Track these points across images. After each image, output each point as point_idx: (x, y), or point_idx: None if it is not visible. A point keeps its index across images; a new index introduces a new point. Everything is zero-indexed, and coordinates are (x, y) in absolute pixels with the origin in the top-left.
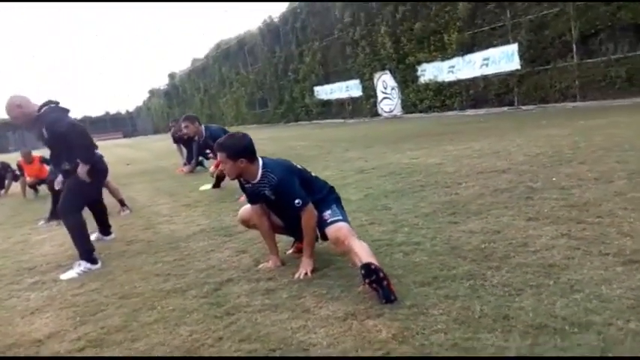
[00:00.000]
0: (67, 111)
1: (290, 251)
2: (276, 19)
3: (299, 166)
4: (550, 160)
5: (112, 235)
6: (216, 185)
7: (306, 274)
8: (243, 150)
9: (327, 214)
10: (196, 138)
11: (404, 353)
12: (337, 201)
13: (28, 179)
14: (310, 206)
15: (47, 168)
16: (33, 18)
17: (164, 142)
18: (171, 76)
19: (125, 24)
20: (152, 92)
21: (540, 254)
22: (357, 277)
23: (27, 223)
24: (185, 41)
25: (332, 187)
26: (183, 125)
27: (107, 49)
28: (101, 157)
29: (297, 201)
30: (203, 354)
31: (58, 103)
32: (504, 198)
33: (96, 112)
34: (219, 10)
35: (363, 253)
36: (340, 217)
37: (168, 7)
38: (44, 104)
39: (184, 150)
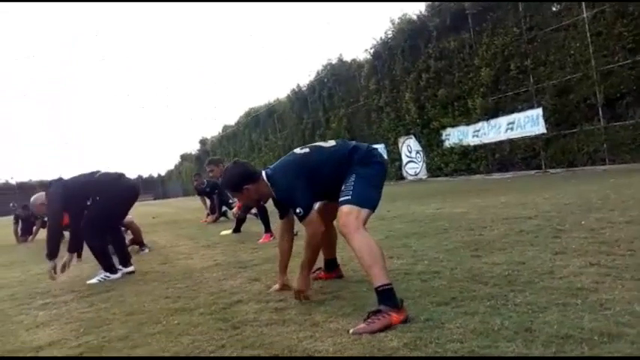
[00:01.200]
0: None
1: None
2: (304, 88)
3: (305, 152)
4: (579, 209)
5: (132, 267)
6: (237, 229)
7: (299, 293)
8: (240, 178)
9: (342, 188)
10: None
11: None
12: (363, 167)
13: None
14: (312, 216)
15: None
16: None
17: (192, 201)
18: (203, 142)
19: (160, 90)
20: (183, 157)
21: (567, 279)
22: (370, 298)
23: None
24: (217, 108)
25: (365, 151)
26: (208, 170)
27: (141, 114)
28: (126, 187)
29: (297, 210)
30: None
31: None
32: (530, 237)
33: (130, 174)
34: (250, 79)
35: (364, 262)
36: (348, 197)
37: (199, 75)
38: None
39: (208, 201)
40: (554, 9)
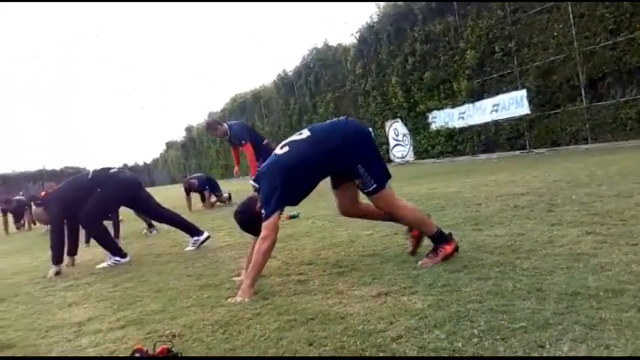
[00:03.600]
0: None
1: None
2: (290, 73)
3: (285, 151)
4: (568, 185)
5: (127, 259)
6: None
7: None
8: (252, 217)
9: (359, 182)
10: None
11: (440, 319)
12: (354, 149)
13: None
14: (273, 221)
15: None
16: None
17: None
18: (188, 129)
19: (144, 78)
20: (169, 144)
21: (567, 247)
22: (386, 269)
23: None
24: (202, 95)
25: (343, 136)
26: (211, 134)
27: (126, 102)
28: (122, 179)
29: (263, 210)
30: (242, 326)
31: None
32: (526, 212)
33: (114, 163)
34: (236, 65)
35: (414, 225)
36: (374, 186)
37: (185, 62)
38: None
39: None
40: None
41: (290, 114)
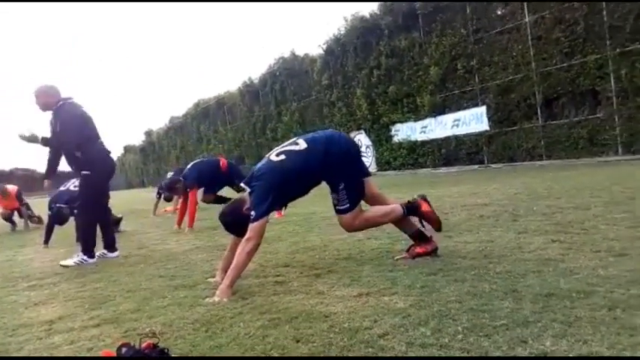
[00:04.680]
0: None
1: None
2: (255, 81)
3: (281, 159)
4: (528, 197)
5: (116, 253)
6: None
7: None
8: (240, 219)
9: (334, 197)
10: None
11: (423, 317)
12: (345, 167)
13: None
14: (261, 225)
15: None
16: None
17: (140, 193)
18: (148, 133)
19: (103, 81)
20: (127, 148)
21: (535, 253)
22: (363, 271)
23: (9, 248)
24: (163, 99)
25: (339, 151)
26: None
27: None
28: (106, 155)
29: (252, 213)
30: (225, 324)
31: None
32: (491, 221)
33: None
34: (200, 70)
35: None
36: (346, 205)
37: (146, 66)
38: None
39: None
40: (499, 12)
41: (254, 121)
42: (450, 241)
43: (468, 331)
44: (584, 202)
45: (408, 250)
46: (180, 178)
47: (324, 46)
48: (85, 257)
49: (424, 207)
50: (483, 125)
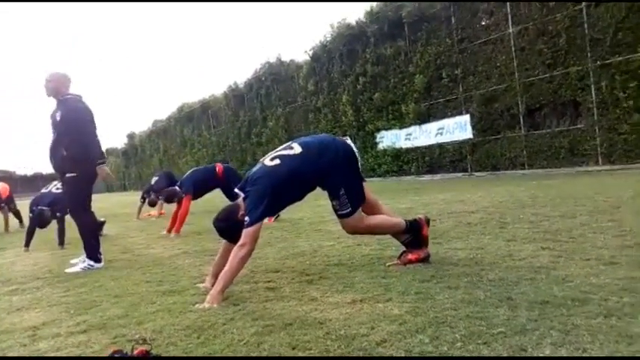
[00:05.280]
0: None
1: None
2: (241, 85)
3: (276, 163)
4: (514, 205)
5: (102, 264)
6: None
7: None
8: (234, 225)
9: (335, 203)
10: None
11: (420, 324)
12: (341, 171)
13: None
14: (255, 230)
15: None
16: None
17: (121, 196)
18: (131, 136)
19: (86, 83)
20: (109, 151)
21: (527, 260)
22: (356, 277)
23: None
24: (147, 102)
25: (333, 156)
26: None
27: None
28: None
29: (247, 218)
30: (217, 330)
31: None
32: (479, 228)
33: (49, 168)
34: (184, 74)
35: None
36: (348, 210)
37: (130, 69)
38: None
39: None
40: (483, 23)
41: (239, 126)
42: (441, 248)
43: (466, 338)
44: (569, 211)
45: (400, 257)
46: (177, 188)
47: (311, 52)
48: (92, 262)
49: (425, 231)
50: (467, 134)
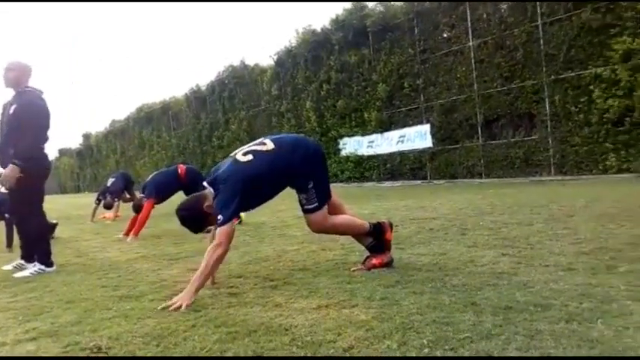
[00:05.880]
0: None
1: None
2: (203, 87)
3: (249, 159)
4: (473, 212)
5: (54, 268)
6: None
7: (177, 308)
8: (197, 215)
9: (303, 197)
10: None
11: (387, 330)
12: (311, 168)
13: None
14: (229, 228)
15: None
16: None
17: (75, 198)
18: (86, 136)
19: (41, 80)
20: (62, 151)
21: (489, 266)
22: (320, 283)
23: None
24: (104, 102)
25: (303, 153)
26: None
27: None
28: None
29: (219, 217)
30: (178, 338)
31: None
32: (441, 234)
33: None
34: (145, 75)
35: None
36: (315, 204)
37: (86, 67)
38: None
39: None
40: (445, 35)
41: (200, 128)
42: (404, 254)
43: (434, 344)
44: (525, 219)
45: (364, 262)
46: (141, 194)
47: (275, 57)
48: (42, 267)
49: (388, 235)
50: (427, 142)
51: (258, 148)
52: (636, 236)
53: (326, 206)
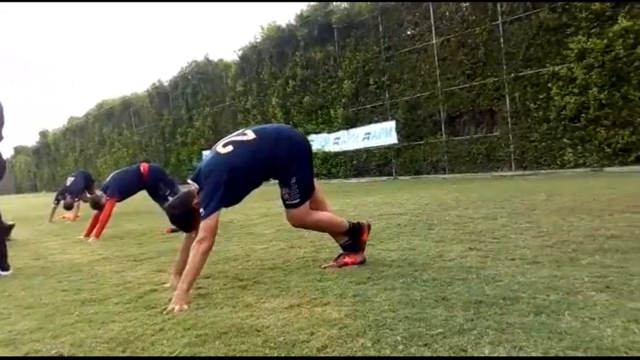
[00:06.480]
0: None
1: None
2: (165, 83)
3: (229, 150)
4: (439, 207)
5: (10, 272)
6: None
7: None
8: (188, 212)
9: (285, 192)
10: None
11: (360, 328)
12: (295, 161)
13: None
14: (213, 222)
15: None
16: None
17: (31, 198)
18: (43, 133)
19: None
20: (18, 149)
21: (457, 261)
22: (292, 281)
23: None
24: (61, 97)
25: (288, 147)
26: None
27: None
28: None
29: (202, 210)
30: (145, 342)
31: None
32: (409, 229)
33: None
34: (103, 69)
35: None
36: (297, 200)
37: (41, 61)
38: None
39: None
40: (409, 33)
41: (163, 125)
42: (374, 249)
43: (407, 340)
44: (490, 213)
45: (336, 259)
46: (102, 192)
47: (240, 53)
48: None
49: (365, 236)
50: (392, 139)
51: (239, 138)
52: (595, 229)
53: (308, 202)
